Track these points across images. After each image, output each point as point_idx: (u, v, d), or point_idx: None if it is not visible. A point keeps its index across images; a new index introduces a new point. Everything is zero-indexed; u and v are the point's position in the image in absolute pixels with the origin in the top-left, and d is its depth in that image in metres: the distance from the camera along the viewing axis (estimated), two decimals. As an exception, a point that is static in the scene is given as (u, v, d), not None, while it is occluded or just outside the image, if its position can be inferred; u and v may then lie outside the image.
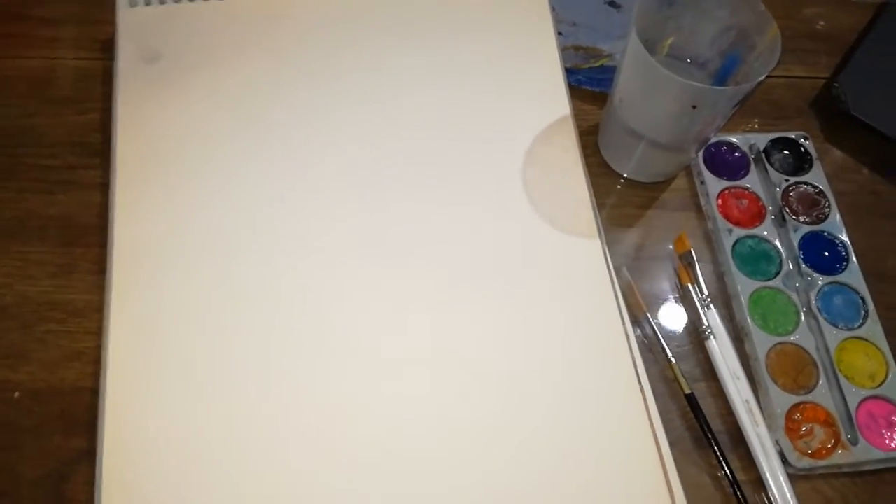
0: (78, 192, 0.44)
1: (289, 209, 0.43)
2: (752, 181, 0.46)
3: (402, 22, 0.48)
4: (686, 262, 0.43)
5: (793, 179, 0.46)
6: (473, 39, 0.48)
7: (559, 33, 0.49)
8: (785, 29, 0.53)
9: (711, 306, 0.42)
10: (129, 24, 0.47)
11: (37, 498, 0.36)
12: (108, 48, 0.48)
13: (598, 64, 0.49)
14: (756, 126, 0.49)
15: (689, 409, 0.40)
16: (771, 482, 0.38)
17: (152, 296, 0.40)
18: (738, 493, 0.38)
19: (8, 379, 0.39)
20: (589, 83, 0.49)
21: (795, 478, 0.39)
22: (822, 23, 0.54)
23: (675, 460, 0.38)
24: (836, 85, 0.49)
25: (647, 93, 0.40)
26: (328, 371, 0.39)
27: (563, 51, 0.48)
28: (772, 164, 0.47)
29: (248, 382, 0.39)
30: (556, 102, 0.46)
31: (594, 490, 0.37)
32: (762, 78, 0.38)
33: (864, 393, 0.40)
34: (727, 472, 0.38)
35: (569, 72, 0.48)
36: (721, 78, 0.43)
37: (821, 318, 0.42)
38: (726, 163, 0.47)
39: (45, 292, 0.41)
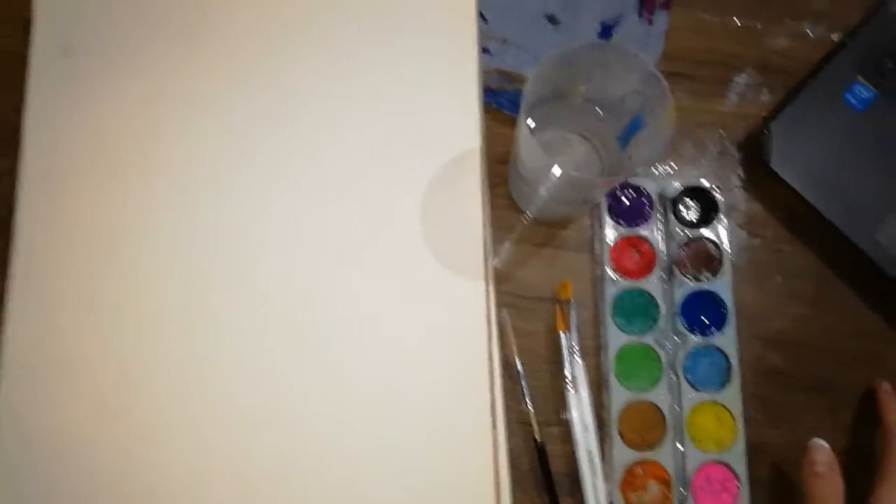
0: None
1: (190, 210, 0.45)
2: (651, 231, 0.47)
3: (317, 23, 0.47)
4: (565, 309, 0.45)
5: (693, 234, 0.47)
6: (387, 55, 0.47)
7: (486, 50, 0.48)
8: (734, 57, 0.51)
9: (578, 358, 0.44)
10: (46, 10, 0.47)
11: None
12: (29, 29, 0.48)
13: (522, 87, 0.48)
14: (675, 167, 0.49)
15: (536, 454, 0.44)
16: (597, 528, 0.42)
17: (53, 294, 0.43)
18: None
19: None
20: (510, 108, 0.48)
21: (621, 527, 0.43)
22: (779, 55, 0.51)
23: (516, 499, 0.42)
24: (764, 131, 0.48)
25: (533, 162, 0.40)
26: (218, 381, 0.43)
27: (486, 73, 0.48)
28: (677, 214, 0.47)
29: (152, 391, 0.43)
30: (468, 133, 0.46)
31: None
32: (642, 166, 0.38)
33: (707, 457, 0.43)
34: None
35: (491, 93, 0.48)
36: (626, 136, 0.43)
37: (682, 379, 0.44)
38: (630, 208, 0.47)
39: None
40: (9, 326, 0.43)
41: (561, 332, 0.45)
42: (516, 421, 0.44)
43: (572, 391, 0.44)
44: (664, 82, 0.39)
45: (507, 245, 0.47)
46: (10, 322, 0.43)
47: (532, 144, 0.38)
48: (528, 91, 0.39)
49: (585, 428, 0.44)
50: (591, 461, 0.43)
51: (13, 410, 0.42)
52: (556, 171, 0.38)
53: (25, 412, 0.42)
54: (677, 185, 0.47)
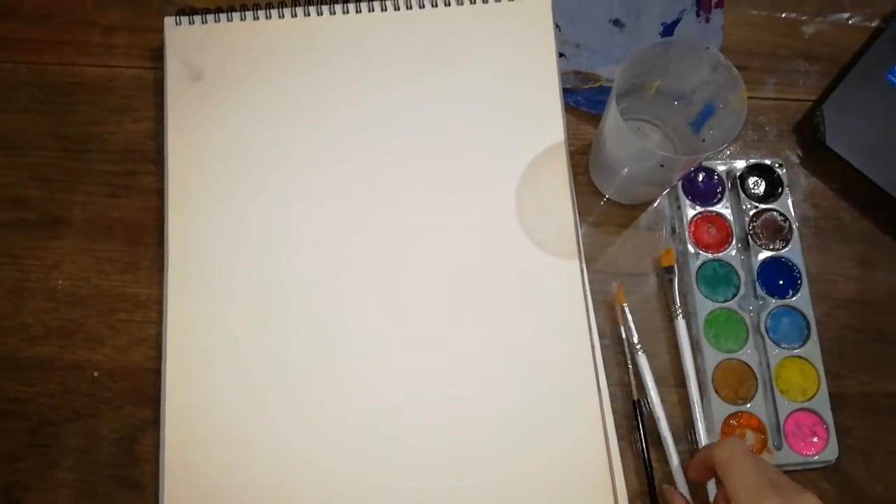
0: (138, 197, 0.52)
1: (316, 211, 0.51)
2: (724, 207, 0.51)
3: (416, 42, 0.53)
4: (668, 276, 0.50)
5: (761, 206, 0.51)
6: (479, 65, 0.53)
7: (561, 55, 0.53)
8: (781, 48, 0.57)
9: (683, 320, 0.49)
10: (176, 42, 0.53)
11: (114, 455, 0.47)
12: (157, 57, 0.54)
13: (596, 85, 0.54)
14: (737, 149, 0.54)
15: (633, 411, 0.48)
16: (701, 475, 0.47)
17: (204, 291, 0.49)
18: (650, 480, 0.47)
19: (88, 359, 0.48)
20: (586, 105, 0.53)
21: (723, 473, 0.47)
22: (822, 44, 0.56)
23: (622, 450, 0.47)
24: (817, 113, 0.53)
25: (623, 147, 0.45)
26: (351, 368, 0.48)
27: (564, 75, 0.53)
28: (745, 190, 0.52)
29: (287, 369, 0.48)
30: (553, 129, 0.52)
31: (552, 467, 0.47)
32: (721, 146, 0.43)
33: (795, 405, 0.48)
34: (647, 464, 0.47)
35: (568, 92, 0.53)
36: (699, 122, 0.48)
37: (767, 338, 0.49)
38: (703, 188, 0.52)
39: (116, 286, 0.50)
40: (169, 319, 0.48)
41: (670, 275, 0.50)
42: (616, 384, 0.49)
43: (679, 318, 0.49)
44: (735, 70, 0.44)
45: (591, 227, 0.52)
46: (169, 316, 0.48)
47: (622, 128, 0.43)
48: (616, 84, 0.44)
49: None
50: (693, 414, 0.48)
51: (178, 396, 0.47)
52: (650, 147, 0.42)
53: (188, 400, 0.47)
54: (743, 165, 0.52)
